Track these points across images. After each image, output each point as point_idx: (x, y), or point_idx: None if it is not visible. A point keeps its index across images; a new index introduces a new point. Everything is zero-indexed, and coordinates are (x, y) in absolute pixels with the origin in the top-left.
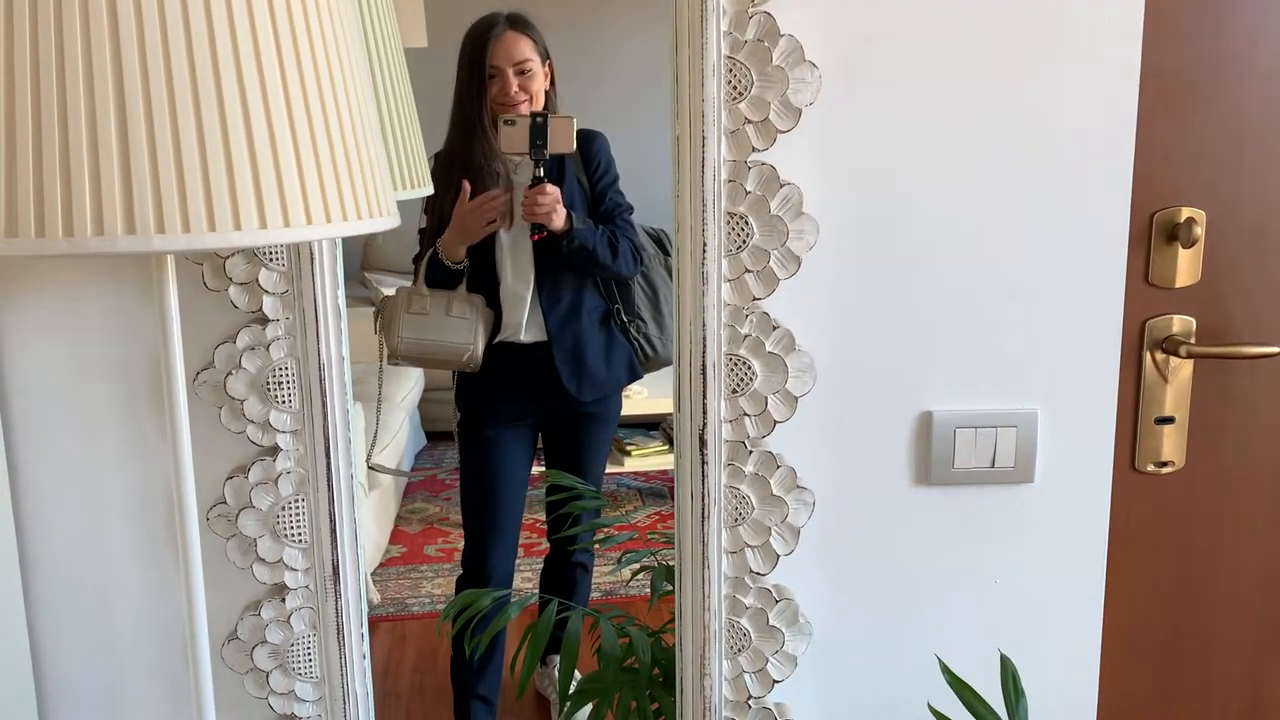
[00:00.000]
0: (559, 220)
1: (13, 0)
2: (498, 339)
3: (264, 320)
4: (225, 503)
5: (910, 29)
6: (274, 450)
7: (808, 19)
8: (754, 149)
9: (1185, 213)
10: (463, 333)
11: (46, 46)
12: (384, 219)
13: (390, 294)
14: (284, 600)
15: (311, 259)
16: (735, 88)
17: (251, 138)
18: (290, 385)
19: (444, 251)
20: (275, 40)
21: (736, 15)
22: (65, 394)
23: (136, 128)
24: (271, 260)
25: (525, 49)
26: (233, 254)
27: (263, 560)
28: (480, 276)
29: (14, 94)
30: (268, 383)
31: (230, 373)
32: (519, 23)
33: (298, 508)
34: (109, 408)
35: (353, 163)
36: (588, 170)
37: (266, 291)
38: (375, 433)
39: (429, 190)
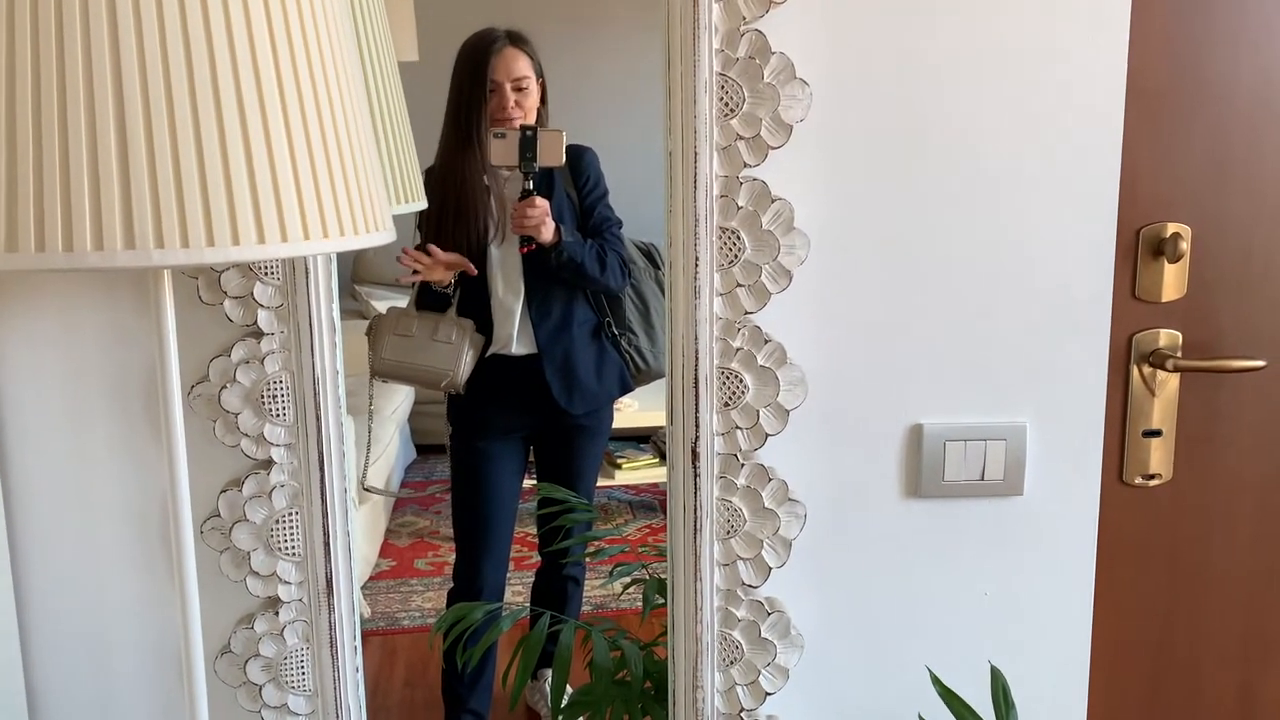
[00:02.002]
0: (547, 233)
1: (14, 16)
2: (489, 352)
3: (259, 334)
4: (219, 516)
5: (900, 48)
6: (268, 463)
7: (799, 37)
8: (746, 165)
9: (1171, 228)
10: (444, 358)
11: (48, 63)
12: (380, 234)
13: (383, 312)
14: (277, 613)
15: (306, 273)
16: (727, 104)
17: (250, 154)
18: (285, 399)
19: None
20: (274, 56)
21: (728, 33)
22: (60, 406)
23: (136, 144)
24: (266, 275)
25: (523, 66)
26: (228, 268)
27: (256, 573)
28: (472, 290)
29: (15, 110)
30: (262, 396)
31: (225, 386)
32: (518, 39)
33: (291, 521)
34: (103, 420)
35: (349, 178)
36: (577, 184)
37: (261, 305)
38: (369, 446)
39: (423, 204)
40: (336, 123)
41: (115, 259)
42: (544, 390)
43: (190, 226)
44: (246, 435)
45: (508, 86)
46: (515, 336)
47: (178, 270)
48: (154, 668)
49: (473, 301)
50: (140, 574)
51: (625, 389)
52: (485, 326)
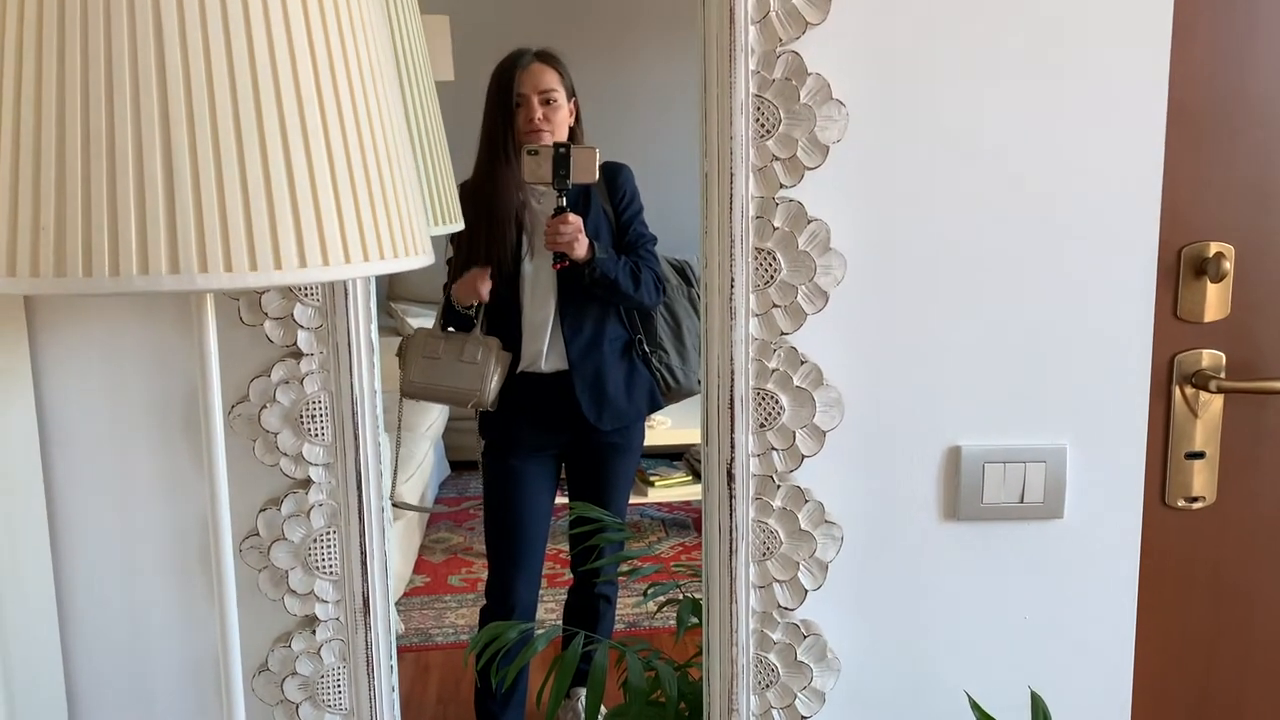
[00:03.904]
0: (580, 249)
1: (65, 46)
2: (519, 369)
3: (298, 354)
4: (258, 534)
5: (938, 69)
6: (306, 483)
7: (835, 58)
8: (781, 185)
9: (1214, 247)
10: (471, 378)
11: (96, 92)
12: (419, 257)
13: (412, 333)
14: (314, 632)
15: (345, 294)
16: (763, 125)
17: (292, 179)
18: (323, 419)
19: (455, 297)
20: (316, 84)
21: (764, 55)
22: (102, 425)
23: (181, 170)
24: (307, 296)
25: (550, 79)
26: (269, 290)
27: (294, 592)
28: (502, 307)
29: (64, 138)
30: (301, 416)
31: (264, 406)
32: (546, 56)
33: (329, 540)
34: (144, 439)
35: (389, 202)
36: (613, 201)
37: (301, 326)
38: (396, 463)
39: (460, 226)
40: (377, 148)
41: (160, 283)
42: (574, 407)
43: (234, 251)
44: (285, 455)
45: (535, 99)
46: (545, 353)
47: (220, 292)
48: (192, 685)
49: (502, 318)
50: (180, 592)
51: (655, 406)
52: (514, 343)
